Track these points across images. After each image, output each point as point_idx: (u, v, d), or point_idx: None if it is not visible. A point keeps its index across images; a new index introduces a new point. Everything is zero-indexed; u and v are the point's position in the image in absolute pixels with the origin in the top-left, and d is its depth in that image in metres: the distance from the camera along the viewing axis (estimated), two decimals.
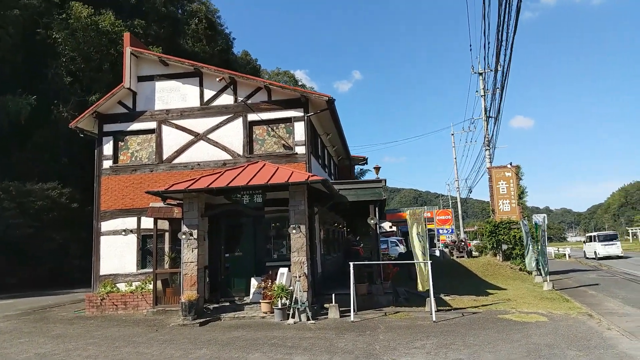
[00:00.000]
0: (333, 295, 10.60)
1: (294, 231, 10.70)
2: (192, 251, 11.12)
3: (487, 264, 21.02)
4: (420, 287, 10.85)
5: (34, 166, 24.82)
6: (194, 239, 11.14)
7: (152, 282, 12.13)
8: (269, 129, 13.36)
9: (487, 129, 34.27)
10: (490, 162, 33.81)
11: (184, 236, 10.99)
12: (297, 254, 10.77)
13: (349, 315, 10.33)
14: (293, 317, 10.06)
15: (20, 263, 23.81)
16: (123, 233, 13.15)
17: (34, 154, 25.58)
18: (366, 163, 23.11)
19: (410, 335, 8.30)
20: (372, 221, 12.07)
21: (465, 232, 52.99)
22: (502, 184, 21.90)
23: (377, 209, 12.56)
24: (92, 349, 8.06)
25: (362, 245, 17.38)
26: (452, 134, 50.54)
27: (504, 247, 21.02)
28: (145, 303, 12.29)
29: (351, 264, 10.38)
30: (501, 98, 17.06)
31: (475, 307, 11.55)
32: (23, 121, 23.35)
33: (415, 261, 11.18)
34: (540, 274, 17.49)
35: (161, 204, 12.07)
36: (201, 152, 13.39)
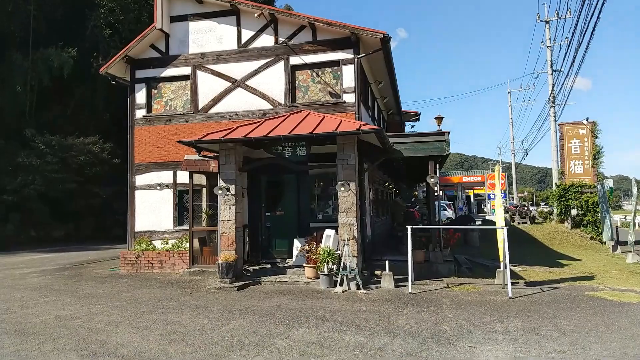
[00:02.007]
0: (387, 261, 9.24)
1: (342, 189, 9.30)
2: (230, 208, 10.01)
3: (554, 231, 18.94)
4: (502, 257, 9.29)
5: (75, 121, 24.64)
6: (232, 195, 10.00)
7: (188, 240, 11.24)
8: (314, 74, 11.78)
9: (552, 85, 31.16)
10: (555, 120, 30.80)
11: (220, 191, 9.87)
12: (346, 215, 9.42)
13: (405, 286, 8.98)
14: (341, 284, 8.83)
15: (66, 217, 24.10)
16: (158, 187, 12.26)
17: (75, 109, 25.38)
18: (418, 119, 21.10)
19: (485, 315, 6.85)
20: (432, 180, 10.46)
21: (520, 197, 49.90)
22: (575, 142, 19.42)
23: (437, 167, 10.90)
24: (117, 314, 7.18)
25: (417, 207, 15.86)
26: (509, 92, 47.04)
27: (574, 213, 18.79)
28: (181, 262, 11.48)
29: (409, 227, 8.93)
30: (589, 41, 14.29)
31: (554, 280, 9.89)
32: (66, 75, 22.92)
33: (497, 227, 9.59)
34: (617, 244, 15.43)
35: (196, 157, 10.98)
36: (239, 101, 12.07)
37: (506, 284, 8.91)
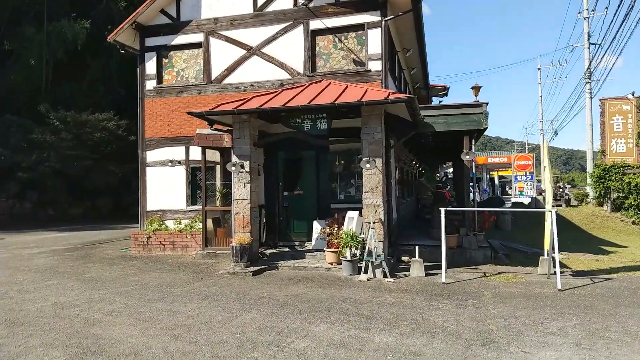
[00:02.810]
0: (416, 247, 8.34)
1: (367, 165, 8.35)
2: (244, 186, 9.21)
3: (592, 214, 17.65)
4: (548, 245, 8.29)
5: (91, 97, 24.12)
6: (246, 172, 9.18)
7: (202, 220, 10.54)
8: (336, 39, 10.72)
9: (589, 59, 29.35)
10: (591, 97, 29.12)
11: (233, 168, 9.05)
12: (371, 195, 8.50)
13: (437, 274, 8.11)
14: (365, 272, 7.98)
15: (83, 196, 23.88)
16: (170, 164, 11.53)
17: (91, 85, 24.85)
18: (446, 94, 19.76)
19: (535, 311, 5.91)
20: (467, 157, 9.41)
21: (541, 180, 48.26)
22: (617, 119, 17.88)
23: (472, 142, 9.84)
24: (119, 302, 6.51)
25: (448, 187, 14.80)
26: (539, 69, 44.96)
27: (614, 195, 17.43)
28: (194, 244, 10.81)
29: (442, 209, 7.97)
30: None
31: (603, 270, 8.85)
32: (79, 47, 22.30)
33: (545, 209, 8.54)
34: None
35: (209, 131, 10.17)
36: (255, 70, 11.14)
37: (552, 274, 7.97)
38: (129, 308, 6.17)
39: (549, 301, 6.44)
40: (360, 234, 8.71)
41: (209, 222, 10.52)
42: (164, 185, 11.76)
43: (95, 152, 21.63)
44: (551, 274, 8.01)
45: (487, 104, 9.57)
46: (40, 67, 23.08)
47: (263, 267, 8.76)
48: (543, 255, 8.76)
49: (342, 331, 5.13)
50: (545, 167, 8.97)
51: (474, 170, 10.10)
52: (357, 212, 8.96)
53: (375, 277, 7.94)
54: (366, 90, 8.67)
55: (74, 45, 22.17)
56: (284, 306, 6.18)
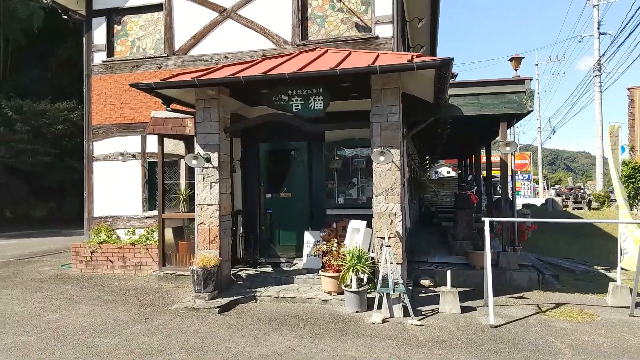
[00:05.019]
0: (448, 272, 6.02)
1: (381, 158, 6.01)
2: (211, 187, 6.83)
3: None
4: (625, 264, 6.17)
5: (57, 85, 21.45)
6: (213, 167, 6.80)
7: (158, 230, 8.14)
8: None
9: (599, 50, 27.60)
10: (600, 91, 27.39)
11: (194, 162, 6.63)
12: (385, 199, 6.18)
13: (475, 308, 5.89)
14: (379, 307, 5.66)
15: (48, 195, 21.22)
16: (121, 158, 9.12)
17: (57, 72, 22.18)
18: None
19: None
20: (507, 148, 7.16)
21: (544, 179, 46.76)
22: None
23: (513, 129, 7.59)
24: None
25: (474, 189, 12.59)
26: (536, 64, 43.32)
27: None
28: (151, 260, 8.41)
29: (485, 220, 5.68)
30: None
31: None
32: (35, 29, 19.63)
33: (623, 221, 6.37)
34: None
35: (167, 114, 7.78)
36: (229, 39, 8.76)
37: (635, 308, 5.79)
38: None
39: None
40: (369, 251, 6.42)
41: (168, 233, 8.14)
42: (115, 185, 9.33)
43: (55, 146, 18.98)
44: (635, 309, 5.82)
45: (530, 79, 7.34)
46: None
47: (236, 297, 6.40)
48: (612, 279, 6.62)
49: None
50: (613, 162, 6.79)
51: (513, 167, 7.84)
52: (363, 223, 6.64)
53: (393, 315, 5.63)
54: (377, 55, 6.34)
55: (30, 26, 19.49)
56: None
